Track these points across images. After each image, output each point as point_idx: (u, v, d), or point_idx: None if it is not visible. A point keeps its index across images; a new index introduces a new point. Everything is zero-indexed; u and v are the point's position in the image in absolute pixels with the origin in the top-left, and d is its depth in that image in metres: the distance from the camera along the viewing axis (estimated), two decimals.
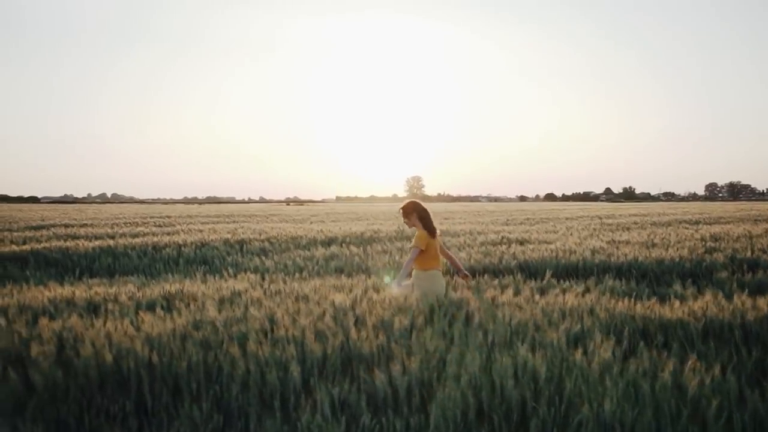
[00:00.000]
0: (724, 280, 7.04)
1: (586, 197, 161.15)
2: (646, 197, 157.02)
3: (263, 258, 9.54)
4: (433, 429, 2.94)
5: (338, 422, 3.00)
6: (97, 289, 6.22)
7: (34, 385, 3.39)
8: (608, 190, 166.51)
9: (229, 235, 12.40)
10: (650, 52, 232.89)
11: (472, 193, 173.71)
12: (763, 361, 3.92)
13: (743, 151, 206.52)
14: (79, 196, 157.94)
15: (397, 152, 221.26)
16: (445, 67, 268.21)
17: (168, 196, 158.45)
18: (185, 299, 5.63)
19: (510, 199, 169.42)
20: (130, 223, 18.64)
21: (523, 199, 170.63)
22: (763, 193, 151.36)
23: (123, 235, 13.26)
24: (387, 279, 5.74)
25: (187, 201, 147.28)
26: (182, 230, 14.43)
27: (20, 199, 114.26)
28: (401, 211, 5.66)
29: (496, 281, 6.62)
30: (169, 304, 5.46)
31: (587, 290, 6.41)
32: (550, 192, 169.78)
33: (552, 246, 9.88)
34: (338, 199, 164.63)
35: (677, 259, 8.25)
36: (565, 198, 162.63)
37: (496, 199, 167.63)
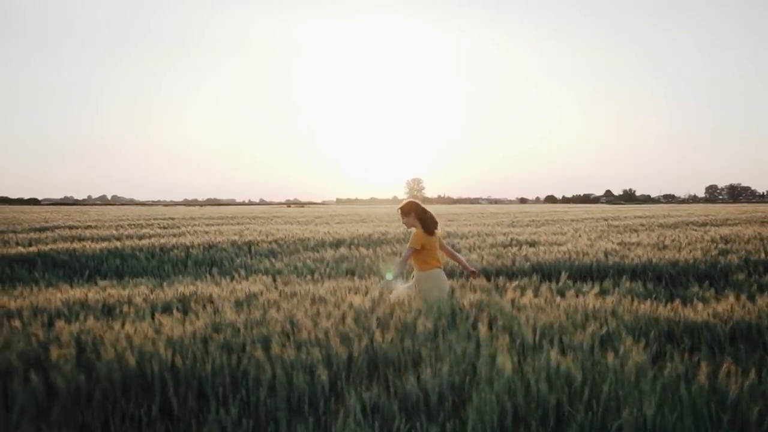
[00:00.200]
0: (742, 282, 6.98)
1: (587, 199, 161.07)
2: (647, 199, 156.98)
3: (272, 260, 9.47)
4: None
5: (371, 428, 2.93)
6: (110, 291, 6.15)
7: (56, 388, 3.31)
8: (608, 192, 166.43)
9: (236, 237, 12.33)
10: (650, 53, 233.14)
11: (473, 195, 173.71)
12: None
13: (743, 153, 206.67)
14: (80, 198, 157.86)
15: (397, 154, 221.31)
16: (444, 68, 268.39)
17: (168, 198, 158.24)
18: (200, 301, 5.56)
19: (510, 201, 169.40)
20: (134, 224, 18.56)
21: (523, 201, 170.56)
22: (763, 195, 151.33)
23: (129, 236, 13.19)
24: (389, 275, 5.65)
25: (187, 203, 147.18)
26: (188, 232, 14.35)
27: (21, 201, 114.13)
28: (399, 211, 5.58)
29: (514, 283, 6.56)
30: (184, 306, 5.39)
31: (605, 292, 6.35)
32: (550, 194, 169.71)
33: (563, 248, 9.81)
34: (338, 201, 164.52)
35: (691, 261, 8.18)
36: (566, 200, 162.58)
37: (497, 201, 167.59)
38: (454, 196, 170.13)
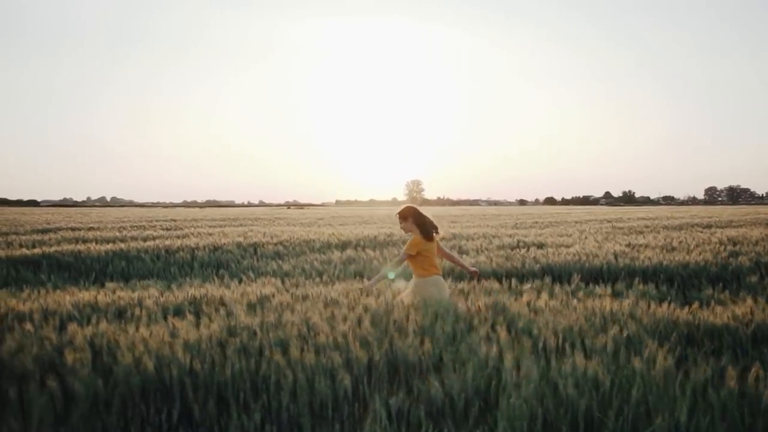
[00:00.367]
0: (755, 285, 6.93)
1: (586, 201, 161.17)
2: (646, 201, 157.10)
3: (279, 262, 9.41)
4: None
5: None
6: (120, 293, 6.08)
7: (73, 394, 3.25)
8: (608, 194, 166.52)
9: (240, 239, 12.27)
10: (650, 55, 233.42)
11: (472, 197, 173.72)
12: None
13: (742, 155, 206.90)
14: (79, 199, 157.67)
15: (397, 156, 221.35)
16: (443, 69, 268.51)
17: (168, 200, 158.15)
18: (212, 304, 5.50)
19: (509, 203, 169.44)
20: (136, 226, 18.48)
21: (522, 202, 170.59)
22: (762, 197, 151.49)
23: (134, 238, 13.12)
24: (391, 275, 5.58)
25: (186, 204, 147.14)
26: (192, 234, 14.28)
27: (20, 203, 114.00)
28: (398, 215, 5.50)
29: (527, 285, 6.50)
30: (196, 309, 5.32)
31: (618, 294, 6.30)
32: (549, 195, 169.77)
33: (571, 249, 9.76)
34: (338, 202, 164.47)
35: (702, 263, 8.13)
36: (565, 202, 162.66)
37: (496, 203, 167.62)
38: (454, 197, 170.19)
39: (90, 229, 16.96)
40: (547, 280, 6.87)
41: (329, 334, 4.07)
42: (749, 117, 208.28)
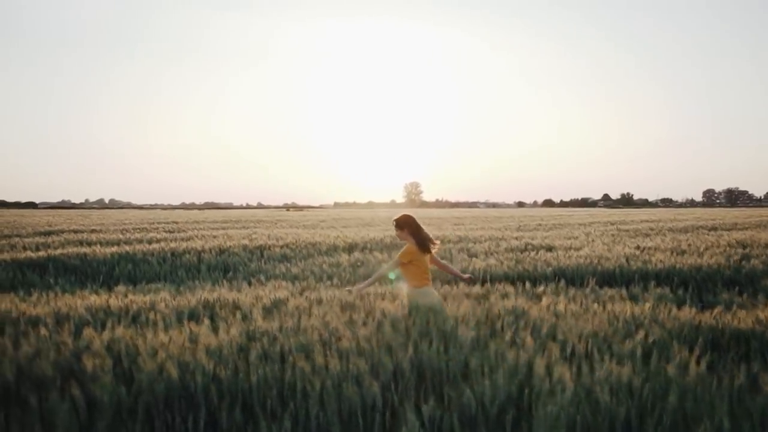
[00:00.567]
0: None
1: (584, 203, 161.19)
2: (644, 203, 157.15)
3: (288, 265, 9.33)
4: None
5: None
6: (131, 297, 6.01)
7: (96, 401, 3.17)
8: (606, 196, 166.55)
9: (246, 242, 12.19)
10: (649, 57, 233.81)
11: (470, 199, 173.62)
12: None
13: (741, 158, 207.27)
14: (77, 201, 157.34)
15: (395, 158, 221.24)
16: (442, 72, 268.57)
17: (166, 202, 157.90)
18: (226, 308, 5.42)
19: (508, 205, 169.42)
20: (139, 228, 18.38)
21: (521, 204, 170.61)
22: (760, 200, 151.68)
23: (138, 241, 13.04)
24: (392, 275, 5.50)
25: (185, 207, 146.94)
26: (196, 236, 14.20)
27: (18, 205, 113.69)
28: (394, 222, 5.41)
29: (540, 288, 6.44)
30: (211, 313, 5.25)
31: (634, 298, 6.24)
32: (548, 198, 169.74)
33: (581, 252, 9.70)
34: (336, 205, 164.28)
35: (715, 266, 8.07)
36: (563, 204, 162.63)
37: (494, 205, 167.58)
38: (452, 199, 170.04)
39: (92, 231, 16.86)
40: (562, 283, 6.79)
41: (351, 339, 4.00)
42: (747, 119, 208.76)
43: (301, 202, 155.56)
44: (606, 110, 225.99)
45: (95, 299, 5.83)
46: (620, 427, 2.89)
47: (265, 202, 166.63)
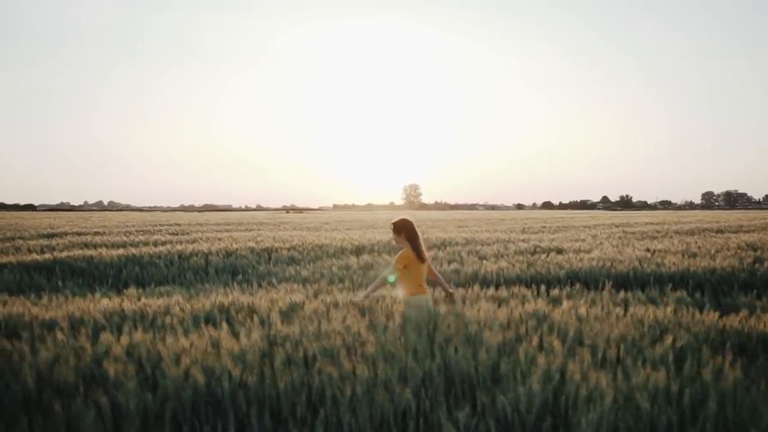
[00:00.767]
0: None
1: (583, 205, 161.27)
2: (643, 205, 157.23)
3: (297, 267, 9.25)
4: None
5: None
6: (144, 300, 5.92)
7: (120, 408, 3.10)
8: (605, 199, 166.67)
9: (252, 244, 12.11)
10: (648, 60, 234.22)
11: (470, 201, 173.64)
12: None
13: (739, 160, 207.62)
14: (76, 203, 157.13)
15: (394, 160, 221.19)
16: (442, 74, 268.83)
17: (165, 204, 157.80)
18: (242, 312, 5.35)
19: (507, 207, 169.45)
20: (142, 231, 18.29)
21: (520, 207, 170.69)
22: (759, 202, 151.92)
23: (145, 243, 12.95)
24: (391, 278, 5.44)
25: (184, 209, 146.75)
26: (201, 238, 14.11)
27: (17, 207, 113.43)
28: (392, 226, 5.34)
29: (554, 291, 6.38)
30: (227, 317, 5.17)
31: (652, 301, 6.18)
32: (547, 200, 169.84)
33: (592, 255, 9.64)
34: (335, 207, 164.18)
35: (729, 269, 8.01)
36: (563, 206, 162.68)
37: (494, 207, 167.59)
38: (451, 202, 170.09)
39: (95, 233, 16.77)
40: (577, 286, 6.72)
41: (375, 344, 3.93)
42: (746, 122, 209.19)
43: (300, 204, 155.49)
44: (605, 113, 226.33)
45: (108, 303, 5.75)
46: None
47: (264, 204, 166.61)
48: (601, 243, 12.25)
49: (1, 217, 44.81)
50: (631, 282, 7.61)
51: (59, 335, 4.25)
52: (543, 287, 6.66)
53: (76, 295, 7.03)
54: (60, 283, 8.15)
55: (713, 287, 7.33)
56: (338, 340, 4.08)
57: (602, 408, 2.86)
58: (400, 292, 5.27)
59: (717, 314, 4.99)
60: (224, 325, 4.51)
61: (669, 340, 4.08)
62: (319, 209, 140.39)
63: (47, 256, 10.27)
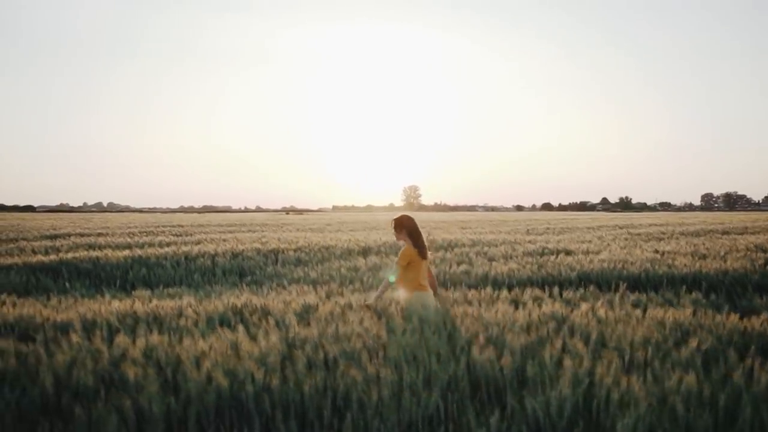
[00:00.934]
0: None
1: (583, 207, 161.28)
2: (643, 207, 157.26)
3: (305, 269, 9.19)
4: None
5: None
6: (156, 302, 5.86)
7: (143, 412, 3.03)
8: (605, 200, 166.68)
9: (258, 245, 12.05)
10: (648, 61, 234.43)
11: (469, 203, 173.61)
12: None
13: (739, 162, 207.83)
14: (75, 205, 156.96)
15: (394, 161, 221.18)
16: (441, 75, 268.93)
17: (164, 205, 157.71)
18: (256, 314, 5.28)
19: (507, 209, 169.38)
20: (145, 232, 18.22)
21: (519, 208, 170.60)
22: (759, 204, 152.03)
23: (150, 244, 12.88)
24: (391, 278, 5.40)
25: (183, 210, 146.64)
26: (206, 239, 14.05)
27: (16, 208, 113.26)
28: (393, 222, 5.32)
29: (568, 293, 6.32)
30: (241, 319, 5.11)
31: (669, 302, 6.12)
32: (546, 201, 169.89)
33: (601, 256, 9.58)
34: (335, 208, 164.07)
35: (741, 271, 7.96)
36: (562, 207, 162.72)
37: (493, 209, 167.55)
38: (451, 203, 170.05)
39: (99, 234, 16.70)
40: (591, 288, 6.66)
41: (396, 347, 3.87)
42: (746, 123, 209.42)
43: (299, 206, 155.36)
44: (605, 114, 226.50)
45: (119, 305, 5.68)
46: None
47: (263, 206, 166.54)
48: (609, 244, 12.20)
49: (1, 218, 44.73)
50: (643, 283, 7.55)
51: (74, 338, 4.19)
52: (556, 289, 6.62)
53: (85, 297, 6.97)
54: (67, 284, 8.08)
55: (727, 289, 7.28)
56: (358, 342, 4.02)
57: (637, 412, 2.80)
58: (400, 291, 5.25)
59: (737, 316, 4.93)
60: (240, 328, 4.45)
61: (694, 342, 4.03)
62: (319, 210, 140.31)
63: (53, 257, 10.21)
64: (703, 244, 11.87)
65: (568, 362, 3.53)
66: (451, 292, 6.53)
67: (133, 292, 7.31)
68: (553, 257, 9.60)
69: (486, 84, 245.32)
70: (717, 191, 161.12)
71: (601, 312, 5.02)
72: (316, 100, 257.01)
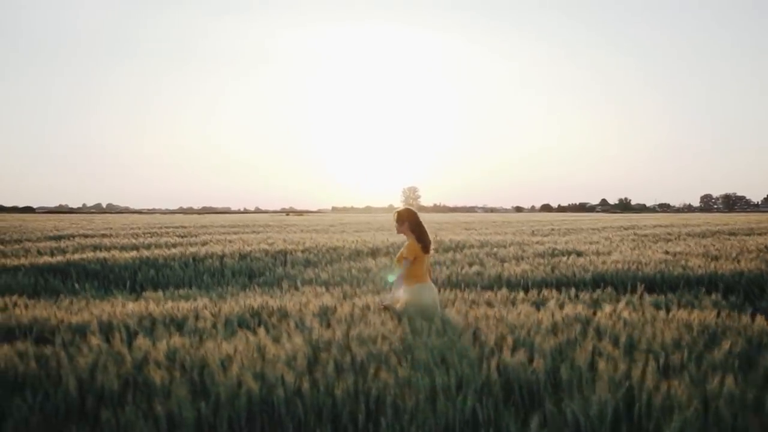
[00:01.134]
0: None
1: (582, 208, 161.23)
2: (642, 208, 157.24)
3: (316, 270, 9.11)
4: None
5: None
6: (171, 303, 5.78)
7: (173, 417, 2.95)
8: (604, 201, 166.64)
9: (265, 246, 11.97)
10: (648, 62, 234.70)
11: (468, 204, 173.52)
12: None
13: (737, 163, 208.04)
14: (74, 206, 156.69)
15: (393, 163, 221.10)
16: (441, 76, 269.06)
17: (163, 206, 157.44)
18: (274, 315, 5.21)
19: (506, 210, 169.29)
20: (149, 233, 18.13)
21: (519, 209, 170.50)
22: (757, 205, 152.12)
23: (157, 245, 12.79)
24: (390, 278, 5.34)
25: (183, 211, 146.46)
26: (211, 240, 13.96)
27: (15, 209, 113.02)
28: (395, 215, 5.30)
29: (584, 294, 6.25)
30: (260, 320, 5.03)
31: (691, 304, 6.05)
32: (546, 203, 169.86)
33: (613, 257, 9.52)
34: (334, 209, 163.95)
35: (756, 272, 7.90)
36: (561, 209, 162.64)
37: (492, 210, 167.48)
38: (450, 204, 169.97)
39: (103, 235, 16.61)
40: (609, 289, 6.59)
41: (423, 350, 3.80)
42: (745, 125, 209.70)
43: (298, 207, 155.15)
44: (604, 115, 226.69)
45: (133, 306, 5.60)
46: None
47: (262, 207, 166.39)
48: (617, 246, 12.13)
49: (2, 218, 44.61)
50: (659, 285, 7.48)
51: (93, 340, 4.11)
52: (572, 290, 6.55)
53: (95, 298, 6.89)
54: (76, 285, 7.99)
55: (744, 290, 7.21)
56: (384, 345, 3.94)
57: (683, 417, 2.73)
58: (402, 287, 5.22)
59: (763, 318, 4.86)
60: (261, 330, 4.38)
61: (726, 344, 3.96)
62: (318, 212, 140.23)
63: (59, 258, 10.12)
64: (713, 245, 11.81)
65: (602, 365, 3.46)
66: (466, 293, 6.47)
67: (143, 294, 7.23)
68: (564, 258, 9.53)
69: (485, 85, 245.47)
70: (716, 192, 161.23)
71: (625, 314, 4.95)
72: (315, 101, 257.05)
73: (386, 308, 5.25)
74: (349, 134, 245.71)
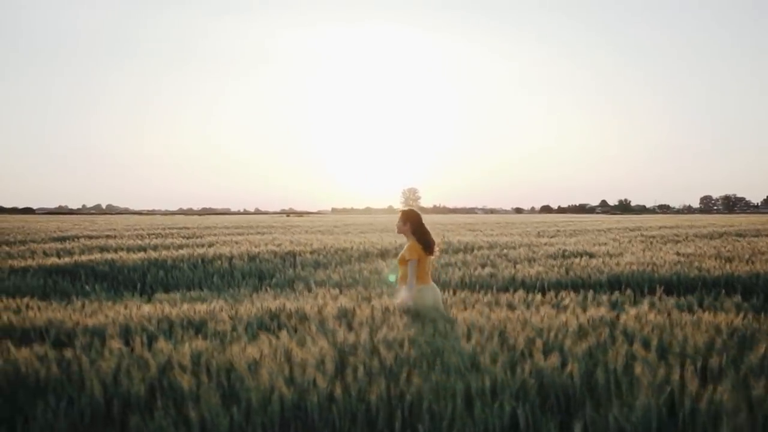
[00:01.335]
0: None
1: (582, 209, 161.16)
2: (642, 209, 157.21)
3: (327, 271, 9.03)
4: None
5: None
6: (187, 306, 5.70)
7: (205, 423, 2.87)
8: (604, 202, 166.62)
9: (273, 247, 11.89)
10: (647, 63, 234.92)
11: (468, 205, 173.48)
12: None
13: (737, 164, 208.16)
14: (74, 207, 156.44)
15: (393, 164, 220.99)
16: (440, 77, 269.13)
17: (163, 207, 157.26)
18: (293, 317, 5.13)
19: (506, 211, 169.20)
20: (153, 234, 18.04)
21: (519, 211, 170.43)
22: (757, 206, 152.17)
23: (164, 247, 12.71)
24: (391, 278, 5.31)
25: (182, 212, 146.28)
26: (218, 242, 13.88)
27: (15, 210, 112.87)
28: (400, 213, 5.31)
29: (598, 296, 6.18)
30: (279, 323, 4.95)
31: (713, 306, 5.98)
32: (545, 204, 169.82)
33: (625, 259, 9.45)
34: (334, 210, 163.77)
35: None
36: (561, 210, 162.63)
37: (492, 211, 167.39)
38: (450, 205, 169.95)
39: (107, 237, 16.53)
40: (628, 291, 6.52)
41: (453, 354, 3.72)
42: (745, 126, 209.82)
43: (298, 208, 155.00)
44: (604, 116, 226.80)
45: (149, 308, 5.52)
46: None
47: (262, 208, 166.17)
48: (627, 247, 12.06)
49: (2, 219, 44.49)
50: (676, 287, 7.41)
51: (113, 344, 4.03)
52: (590, 292, 6.47)
53: (107, 300, 6.80)
54: (86, 287, 7.91)
55: (763, 292, 7.14)
56: (413, 349, 3.86)
57: (734, 424, 2.65)
58: (403, 288, 5.21)
59: None
60: (284, 333, 4.30)
61: (761, 348, 3.88)
62: (318, 213, 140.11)
63: (67, 259, 10.04)
64: (723, 246, 11.74)
65: (638, 369, 3.38)
66: (481, 295, 6.40)
67: (154, 296, 7.15)
68: (577, 260, 9.46)
69: (485, 85, 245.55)
70: (716, 194, 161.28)
71: (651, 316, 4.88)
72: (315, 101, 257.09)
73: (406, 309, 5.19)
74: (349, 135, 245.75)
